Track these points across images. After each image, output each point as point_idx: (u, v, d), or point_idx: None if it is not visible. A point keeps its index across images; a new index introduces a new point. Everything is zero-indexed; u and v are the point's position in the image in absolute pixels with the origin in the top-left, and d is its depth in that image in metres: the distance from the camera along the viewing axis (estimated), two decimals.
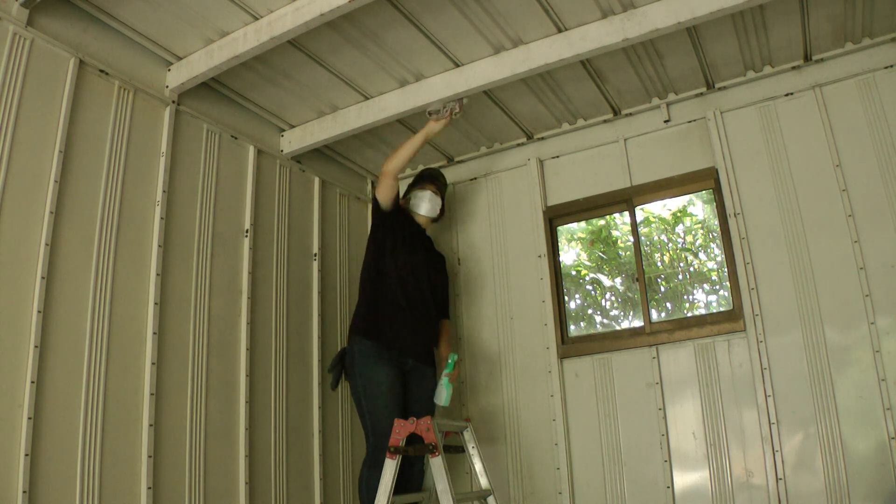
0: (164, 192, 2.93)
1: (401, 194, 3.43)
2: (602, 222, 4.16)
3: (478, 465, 3.03)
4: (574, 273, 4.21)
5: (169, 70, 3.08)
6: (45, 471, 2.27)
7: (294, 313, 3.59)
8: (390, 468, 2.63)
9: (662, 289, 3.96)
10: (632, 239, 3.76)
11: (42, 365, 2.33)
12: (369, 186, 4.49)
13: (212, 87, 3.29)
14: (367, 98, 3.53)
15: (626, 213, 3.79)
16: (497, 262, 4.05)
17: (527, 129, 3.99)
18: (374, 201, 3.33)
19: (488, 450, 3.71)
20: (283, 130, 3.80)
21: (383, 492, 2.59)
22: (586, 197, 3.87)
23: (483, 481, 2.99)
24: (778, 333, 3.21)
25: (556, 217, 3.95)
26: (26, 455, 2.21)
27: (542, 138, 4.05)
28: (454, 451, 3.13)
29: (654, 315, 3.72)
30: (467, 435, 3.07)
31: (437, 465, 2.60)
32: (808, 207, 3.27)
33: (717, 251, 3.83)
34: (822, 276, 3.17)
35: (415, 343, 3.16)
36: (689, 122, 3.67)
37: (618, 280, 4.17)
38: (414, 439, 2.75)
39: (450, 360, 3.15)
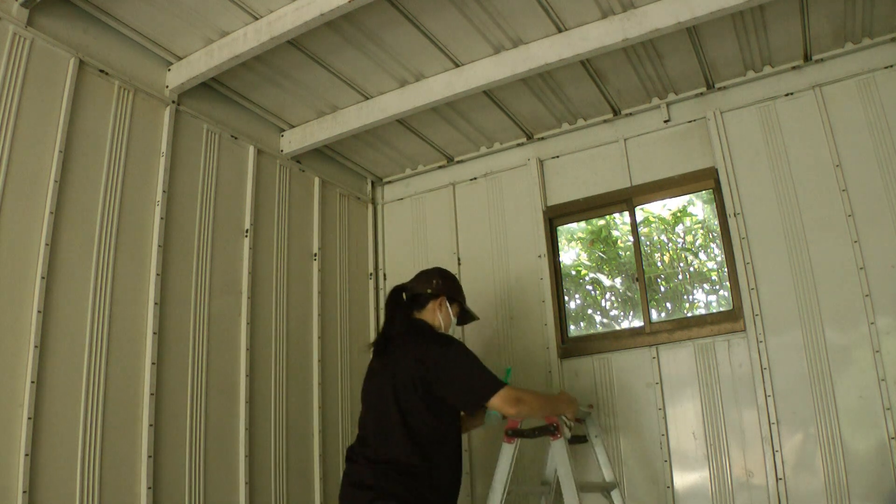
0: (164, 192, 2.93)
1: None
2: (602, 222, 4.16)
3: (601, 457, 2.80)
4: (574, 273, 4.22)
5: (169, 70, 3.08)
6: (45, 471, 2.27)
7: (294, 313, 3.59)
8: (508, 452, 2.47)
9: (662, 289, 3.96)
10: (632, 239, 3.75)
11: (42, 365, 2.33)
12: (369, 186, 4.48)
13: (212, 87, 3.29)
14: (367, 98, 3.53)
15: (626, 213, 3.78)
16: (497, 262, 4.04)
17: (527, 129, 3.99)
18: (488, 396, 2.28)
19: (488, 449, 3.71)
20: (283, 130, 3.79)
21: (500, 479, 2.44)
22: (586, 197, 3.87)
23: (606, 473, 2.80)
24: (778, 333, 3.20)
25: (556, 217, 3.94)
26: (26, 455, 2.21)
27: (542, 138, 4.04)
28: (575, 441, 2.73)
29: (654, 315, 3.72)
30: (590, 423, 2.83)
31: (558, 449, 2.40)
32: (808, 207, 3.27)
33: (717, 251, 3.83)
34: (822, 275, 3.17)
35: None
36: (689, 122, 3.67)
37: (618, 280, 4.18)
38: None
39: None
